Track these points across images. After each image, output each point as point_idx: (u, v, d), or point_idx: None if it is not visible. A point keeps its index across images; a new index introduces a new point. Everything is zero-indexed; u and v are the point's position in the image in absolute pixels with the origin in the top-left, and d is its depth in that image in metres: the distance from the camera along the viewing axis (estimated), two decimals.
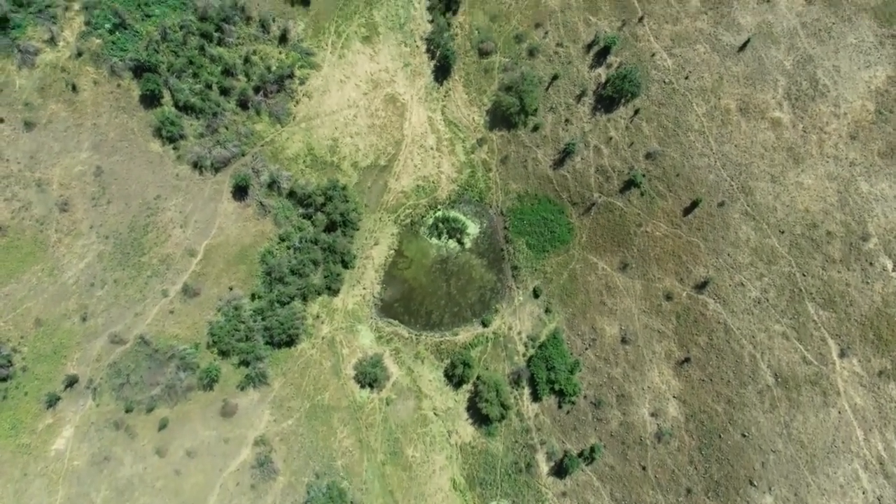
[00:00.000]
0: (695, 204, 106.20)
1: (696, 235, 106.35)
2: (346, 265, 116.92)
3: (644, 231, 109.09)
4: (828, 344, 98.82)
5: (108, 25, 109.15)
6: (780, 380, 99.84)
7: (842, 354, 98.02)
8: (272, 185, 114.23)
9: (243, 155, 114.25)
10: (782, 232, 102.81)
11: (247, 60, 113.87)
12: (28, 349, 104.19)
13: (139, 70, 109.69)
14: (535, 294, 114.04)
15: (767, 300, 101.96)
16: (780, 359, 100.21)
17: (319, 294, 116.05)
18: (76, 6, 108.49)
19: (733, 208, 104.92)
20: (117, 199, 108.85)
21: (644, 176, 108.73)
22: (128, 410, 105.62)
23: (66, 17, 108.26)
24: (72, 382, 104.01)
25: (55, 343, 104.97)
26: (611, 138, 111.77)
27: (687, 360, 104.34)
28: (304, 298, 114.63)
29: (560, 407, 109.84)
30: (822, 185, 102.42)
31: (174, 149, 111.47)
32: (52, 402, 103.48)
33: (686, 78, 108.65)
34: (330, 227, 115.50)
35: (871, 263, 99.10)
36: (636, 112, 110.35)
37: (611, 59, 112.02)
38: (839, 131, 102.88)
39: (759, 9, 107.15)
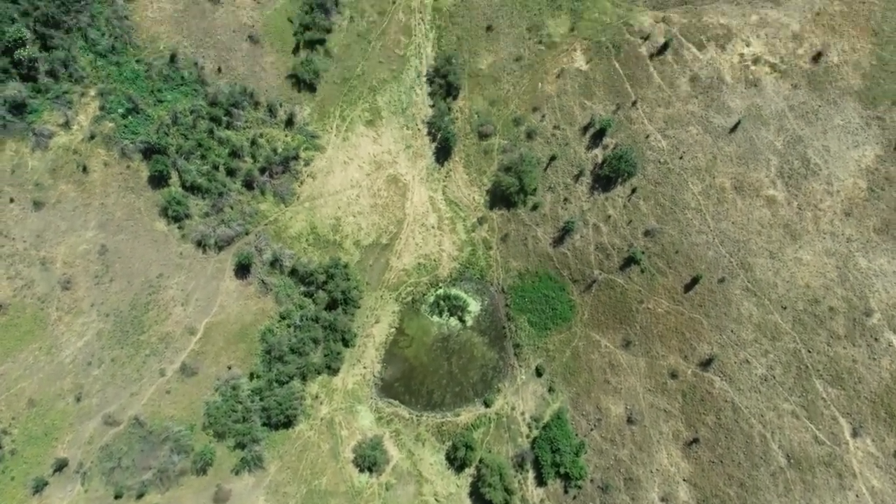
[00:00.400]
0: (695, 280, 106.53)
1: (698, 312, 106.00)
2: (346, 343, 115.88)
3: (646, 308, 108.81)
4: (839, 423, 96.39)
5: (121, 110, 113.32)
6: (792, 461, 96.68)
7: (854, 434, 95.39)
8: (274, 263, 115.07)
9: (247, 234, 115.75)
10: (784, 308, 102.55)
11: (254, 143, 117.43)
12: (19, 431, 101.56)
13: (149, 152, 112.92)
14: (538, 373, 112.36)
15: (774, 377, 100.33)
16: (791, 439, 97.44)
17: (319, 373, 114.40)
18: (92, 92, 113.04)
19: (734, 284, 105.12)
20: (120, 277, 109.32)
21: (643, 253, 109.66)
22: (117, 496, 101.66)
23: (82, 102, 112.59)
24: (61, 466, 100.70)
25: (47, 424, 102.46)
26: (609, 216, 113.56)
27: (695, 440, 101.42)
28: (304, 378, 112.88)
29: (566, 492, 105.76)
30: (820, 260, 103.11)
31: (179, 228, 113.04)
32: (39, 487, 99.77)
33: (680, 158, 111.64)
34: (331, 305, 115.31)
35: (876, 339, 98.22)
36: (633, 191, 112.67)
37: (606, 140, 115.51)
38: (833, 208, 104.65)
39: (747, 93, 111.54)
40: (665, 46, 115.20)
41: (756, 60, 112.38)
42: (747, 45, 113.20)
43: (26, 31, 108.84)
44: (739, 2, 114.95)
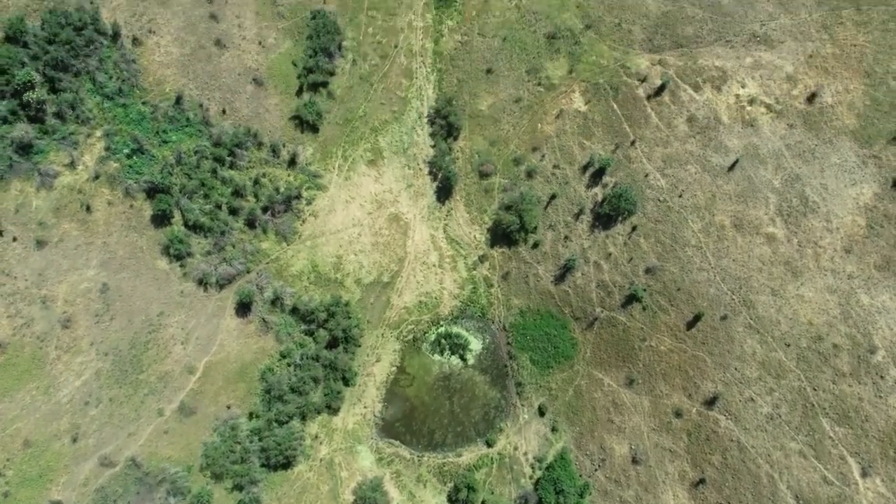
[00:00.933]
0: (697, 317, 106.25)
1: (701, 349, 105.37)
2: (347, 382, 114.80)
3: (648, 346, 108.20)
4: (848, 462, 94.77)
5: (126, 150, 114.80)
6: (801, 502, 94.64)
7: (864, 474, 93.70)
8: (275, 301, 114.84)
9: (248, 272, 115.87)
10: (788, 345, 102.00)
11: (256, 182, 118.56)
12: (13, 472, 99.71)
13: (152, 191, 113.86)
14: (541, 412, 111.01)
15: (780, 416, 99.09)
16: (799, 479, 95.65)
17: (319, 413, 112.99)
18: (98, 133, 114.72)
19: (736, 322, 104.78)
20: (120, 315, 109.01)
21: (645, 290, 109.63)
22: None
23: (88, 143, 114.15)
24: None
25: (42, 466, 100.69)
26: (610, 254, 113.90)
27: (702, 481, 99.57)
28: (304, 418, 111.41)
29: None
30: (822, 297, 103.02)
31: (181, 266, 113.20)
32: None
33: (680, 196, 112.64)
34: (332, 344, 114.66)
35: (881, 377, 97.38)
36: (633, 229, 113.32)
37: (606, 179, 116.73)
38: (833, 245, 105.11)
39: (743, 132, 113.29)
40: (662, 88, 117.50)
41: (752, 101, 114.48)
42: (743, 87, 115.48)
43: (35, 75, 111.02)
44: (734, 45, 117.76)
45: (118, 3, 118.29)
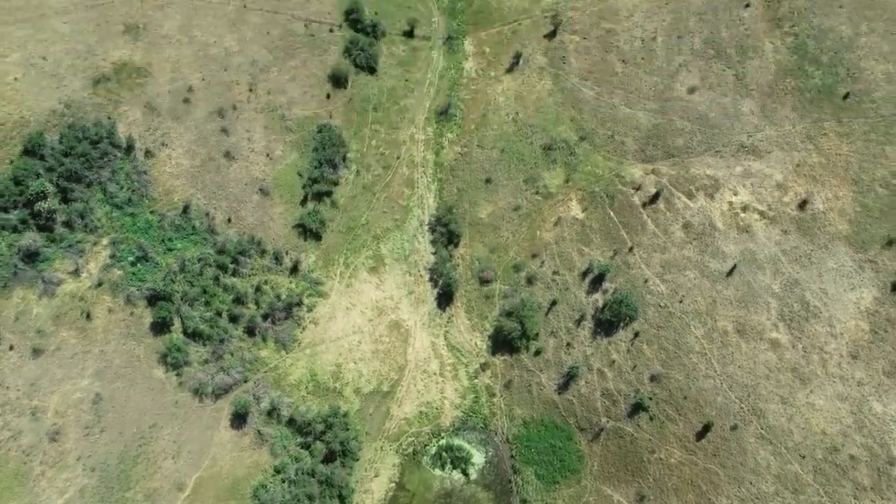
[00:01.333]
0: (707, 427, 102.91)
1: (712, 462, 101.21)
2: (343, 500, 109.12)
3: (658, 458, 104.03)
4: None
5: (131, 258, 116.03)
6: None
7: None
8: (272, 412, 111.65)
9: (246, 381, 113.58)
10: (803, 457, 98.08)
11: (258, 289, 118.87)
12: None
13: (154, 299, 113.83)
14: None
15: None
16: None
17: None
18: (104, 241, 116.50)
19: (747, 432, 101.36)
20: (111, 427, 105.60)
21: (651, 399, 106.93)
22: None
23: (94, 250, 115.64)
24: None
25: None
26: (613, 361, 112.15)
27: None
28: None
29: None
30: (833, 405, 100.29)
31: (177, 375, 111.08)
32: None
33: (680, 302, 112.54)
34: (328, 458, 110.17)
35: None
36: (636, 335, 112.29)
37: (606, 285, 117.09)
38: (839, 351, 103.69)
39: (739, 238, 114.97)
40: (657, 196, 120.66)
41: (745, 208, 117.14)
42: (735, 194, 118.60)
43: (49, 186, 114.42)
44: (723, 155, 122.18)
45: (134, 119, 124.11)
